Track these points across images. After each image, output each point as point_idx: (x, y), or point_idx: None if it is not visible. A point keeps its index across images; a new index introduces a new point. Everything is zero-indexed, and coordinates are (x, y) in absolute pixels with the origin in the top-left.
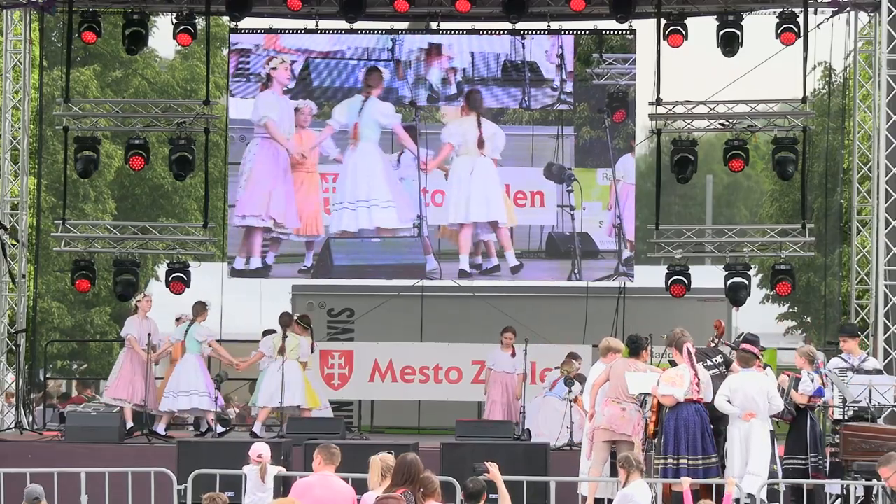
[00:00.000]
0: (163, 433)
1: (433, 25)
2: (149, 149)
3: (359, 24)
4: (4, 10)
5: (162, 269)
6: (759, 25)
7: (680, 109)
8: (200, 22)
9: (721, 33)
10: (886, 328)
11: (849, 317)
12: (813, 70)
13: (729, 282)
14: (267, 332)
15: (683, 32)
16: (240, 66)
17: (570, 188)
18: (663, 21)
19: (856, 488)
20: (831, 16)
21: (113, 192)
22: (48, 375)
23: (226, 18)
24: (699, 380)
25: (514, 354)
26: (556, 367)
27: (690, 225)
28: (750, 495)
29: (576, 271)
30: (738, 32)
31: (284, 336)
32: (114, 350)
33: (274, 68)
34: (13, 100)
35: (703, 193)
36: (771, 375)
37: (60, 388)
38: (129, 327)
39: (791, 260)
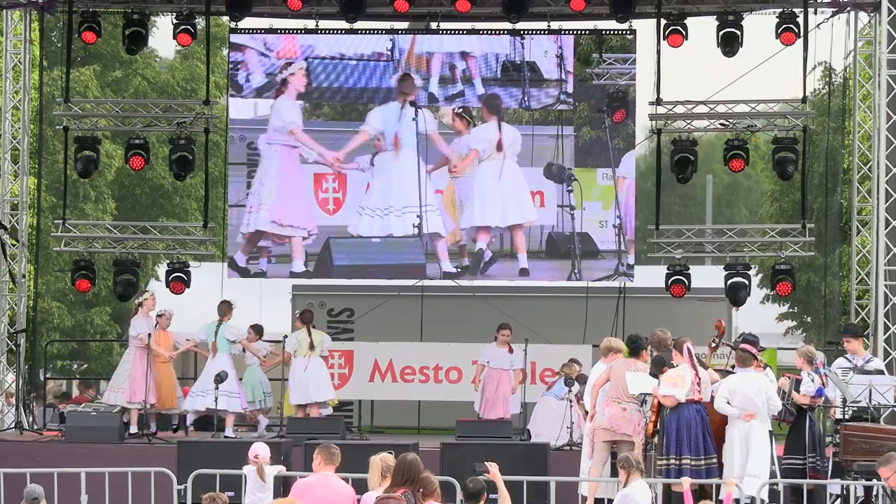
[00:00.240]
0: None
1: (433, 25)
2: (149, 149)
3: (359, 24)
4: (4, 10)
5: (162, 269)
6: (759, 25)
7: (680, 109)
8: (200, 22)
9: (721, 33)
10: (886, 328)
11: (849, 317)
12: (813, 70)
13: (729, 282)
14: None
15: (683, 32)
16: (238, 66)
17: (570, 188)
18: (663, 21)
19: (856, 488)
20: (831, 16)
21: (113, 192)
22: (48, 375)
23: (226, 18)
24: (700, 380)
25: (511, 351)
26: (559, 372)
27: (690, 225)
28: (751, 497)
29: (576, 271)
30: (738, 32)
31: (310, 332)
32: (114, 350)
33: (292, 73)
34: (13, 100)
35: (703, 193)
36: (771, 375)
37: (61, 388)
38: (140, 326)
39: (791, 260)
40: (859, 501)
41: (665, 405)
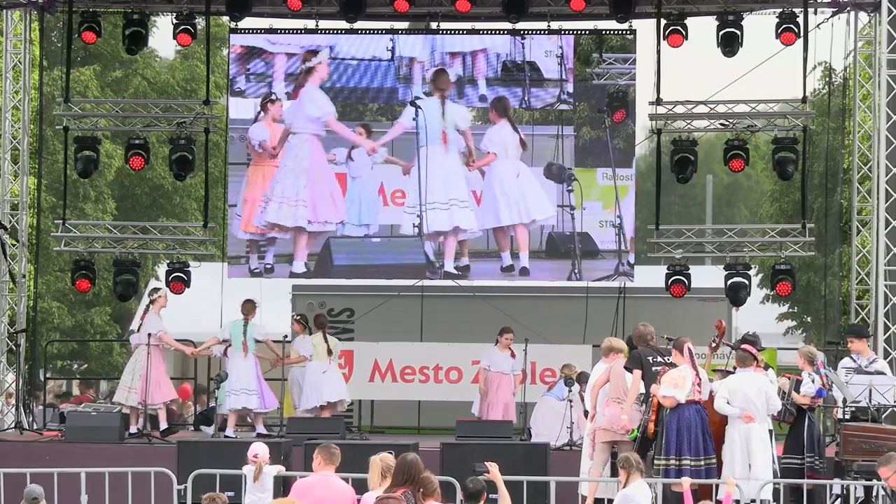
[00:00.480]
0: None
1: (433, 25)
2: (149, 149)
3: (359, 24)
4: (4, 10)
5: (162, 269)
6: (759, 25)
7: (680, 109)
8: (200, 22)
9: (721, 33)
10: (886, 328)
11: (849, 317)
12: (813, 70)
13: (729, 282)
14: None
15: (683, 32)
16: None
17: (570, 188)
18: (663, 21)
19: (856, 488)
20: (831, 16)
21: (113, 192)
22: (48, 375)
23: (226, 18)
24: (700, 380)
25: (513, 356)
26: (559, 374)
27: (690, 225)
28: (753, 500)
29: (576, 271)
30: (738, 32)
31: (325, 338)
32: (114, 350)
33: (320, 62)
34: (13, 100)
35: (703, 193)
36: (773, 377)
37: (61, 387)
38: (154, 324)
39: (791, 260)
40: (859, 501)
41: (665, 405)
